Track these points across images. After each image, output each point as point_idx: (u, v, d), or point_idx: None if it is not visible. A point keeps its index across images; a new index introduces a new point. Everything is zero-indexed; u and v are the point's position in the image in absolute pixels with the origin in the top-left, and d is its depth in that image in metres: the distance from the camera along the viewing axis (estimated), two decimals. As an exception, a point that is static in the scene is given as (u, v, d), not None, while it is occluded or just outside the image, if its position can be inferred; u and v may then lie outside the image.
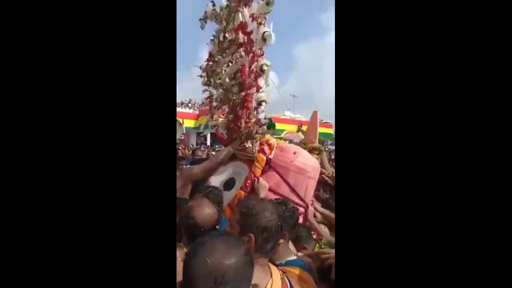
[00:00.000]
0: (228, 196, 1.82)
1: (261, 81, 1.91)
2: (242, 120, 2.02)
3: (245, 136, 1.99)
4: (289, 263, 1.18)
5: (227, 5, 2.23)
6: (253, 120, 1.95)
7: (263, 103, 1.87)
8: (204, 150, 6.59)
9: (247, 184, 1.77)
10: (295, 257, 1.24)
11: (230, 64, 2.33)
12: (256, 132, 1.95)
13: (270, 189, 1.75)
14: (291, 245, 1.37)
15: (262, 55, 1.97)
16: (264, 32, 1.87)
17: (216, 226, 1.20)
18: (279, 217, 1.03)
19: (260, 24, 1.92)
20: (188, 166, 1.91)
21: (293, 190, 1.79)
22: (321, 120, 3.76)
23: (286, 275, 1.05)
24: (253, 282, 0.87)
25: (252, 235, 0.97)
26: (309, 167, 1.83)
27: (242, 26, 2.01)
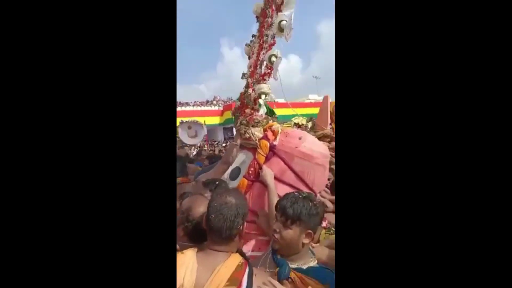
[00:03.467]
0: (234, 186, 1.76)
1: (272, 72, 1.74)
2: (247, 110, 1.92)
3: (244, 127, 1.85)
4: (311, 272, 1.12)
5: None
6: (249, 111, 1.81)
7: (263, 96, 1.72)
8: (210, 150, 6.67)
9: (250, 172, 1.70)
10: (316, 262, 1.18)
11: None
12: (251, 124, 1.80)
13: (274, 177, 1.66)
14: None
15: (274, 44, 1.78)
16: (281, 21, 1.69)
17: None
18: (231, 216, 1.03)
19: (280, 11, 1.73)
20: (203, 174, 1.84)
21: (299, 177, 1.69)
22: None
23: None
24: (198, 267, 0.96)
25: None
26: (316, 153, 1.71)
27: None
